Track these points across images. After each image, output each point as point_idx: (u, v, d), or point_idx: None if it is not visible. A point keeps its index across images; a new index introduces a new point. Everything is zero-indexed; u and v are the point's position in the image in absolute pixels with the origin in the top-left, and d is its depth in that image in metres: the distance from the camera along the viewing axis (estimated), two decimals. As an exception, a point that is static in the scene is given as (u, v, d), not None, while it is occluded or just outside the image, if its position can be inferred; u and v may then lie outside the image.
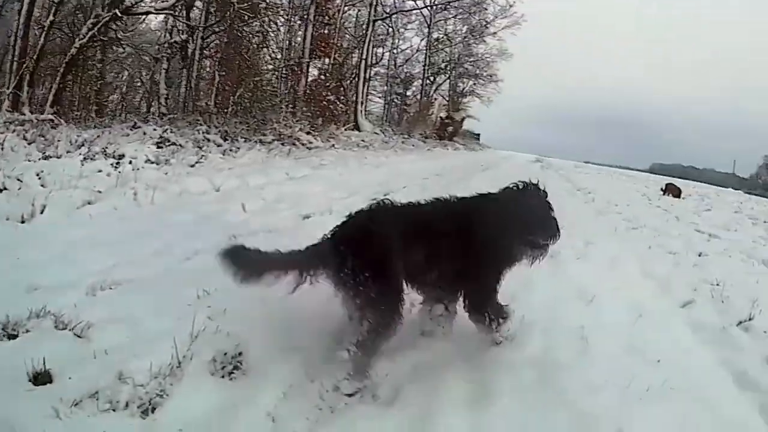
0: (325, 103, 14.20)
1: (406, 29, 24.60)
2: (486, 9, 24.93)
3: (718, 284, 4.13)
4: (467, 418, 1.88)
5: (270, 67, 13.51)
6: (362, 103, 18.10)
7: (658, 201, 12.87)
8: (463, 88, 29.53)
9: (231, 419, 1.67)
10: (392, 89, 25.51)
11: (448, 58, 27.15)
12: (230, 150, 8.01)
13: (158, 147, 6.62)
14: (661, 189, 15.32)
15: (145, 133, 7.20)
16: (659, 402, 2.17)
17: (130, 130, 7.42)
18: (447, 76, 27.69)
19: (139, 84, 10.33)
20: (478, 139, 43.07)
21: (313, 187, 6.18)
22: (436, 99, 27.84)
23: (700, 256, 5.55)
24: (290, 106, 12.83)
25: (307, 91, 13.88)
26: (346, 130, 15.51)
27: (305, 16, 14.33)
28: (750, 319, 3.29)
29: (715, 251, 5.97)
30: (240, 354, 1.97)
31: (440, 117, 27.28)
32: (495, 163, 18.88)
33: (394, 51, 24.84)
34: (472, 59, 28.03)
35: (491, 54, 27.85)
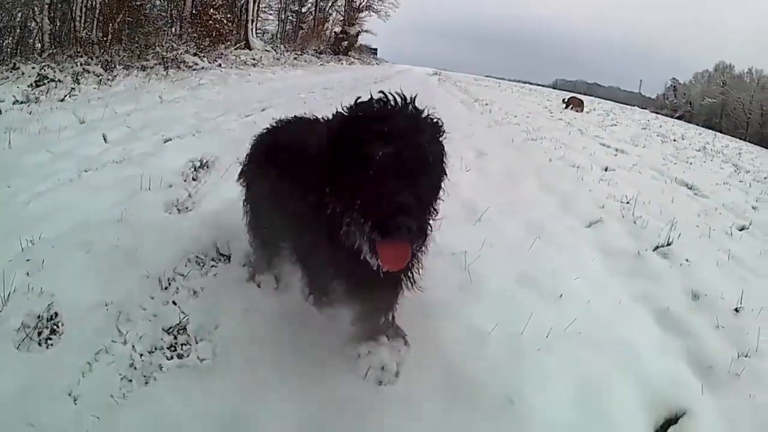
0: (212, 22, 16.74)
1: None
2: None
3: (628, 202, 4.48)
4: (306, 390, 1.81)
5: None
6: (253, 21, 21.49)
7: (560, 114, 14.54)
8: (360, 3, 35.51)
9: (32, 402, 1.68)
10: (287, 6, 30.04)
11: None
12: (107, 79, 9.13)
13: (37, 86, 7.72)
14: (563, 101, 17.12)
15: (23, 74, 8.24)
16: (562, 353, 2.07)
17: (10, 72, 8.43)
18: None
19: (33, 25, 11.66)
20: (375, 53, 51.09)
21: (185, 108, 7.01)
22: (330, 14, 33.57)
23: (606, 171, 6.12)
24: (176, 28, 15.56)
25: (194, 12, 16.48)
26: (236, 49, 18.56)
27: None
28: (668, 244, 3.53)
29: (623, 166, 6.69)
30: (55, 315, 2.04)
31: (335, 32, 33.32)
32: (389, 76, 21.62)
33: None
34: None
35: None
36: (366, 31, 37.72)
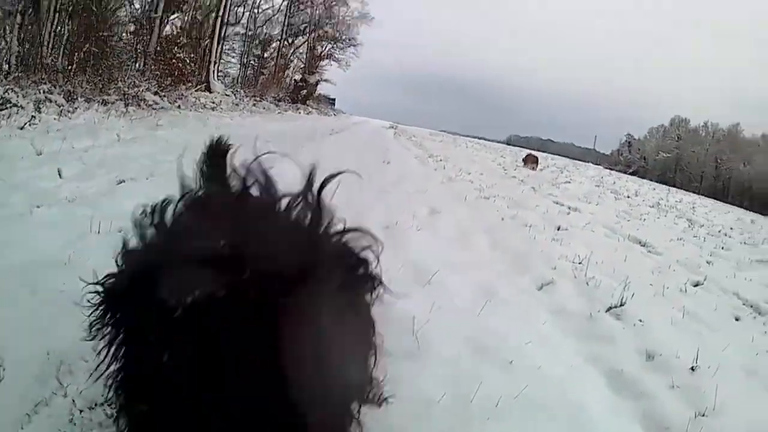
0: (174, 61, 18.04)
1: (268, -14, 31.56)
2: (354, -32, 32.80)
3: (581, 262, 4.77)
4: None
5: (126, 20, 16.98)
6: (215, 63, 23.33)
7: (514, 171, 15.32)
8: (321, 51, 38.98)
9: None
10: (250, 50, 32.71)
11: (308, 20, 35.73)
12: (67, 111, 9.83)
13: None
14: (523, 160, 18.10)
15: (-14, 96, 8.68)
16: (513, 421, 2.17)
17: (-27, 94, 8.89)
18: (306, 38, 36.54)
19: (2, 45, 12.12)
20: (334, 103, 54.93)
21: (142, 149, 7.45)
22: (292, 61, 36.68)
23: (559, 230, 6.49)
24: (140, 63, 16.76)
25: (158, 49, 17.61)
26: (196, 90, 19.85)
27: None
28: (621, 304, 3.76)
29: (576, 225, 7.13)
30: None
31: (294, 80, 36.03)
32: (346, 127, 23.83)
33: (255, 11, 31.95)
34: (332, 21, 37.28)
35: (352, 17, 37.54)
36: (325, 80, 40.85)
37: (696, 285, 5.03)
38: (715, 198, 57.80)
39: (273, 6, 32.39)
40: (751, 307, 4.85)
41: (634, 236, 7.16)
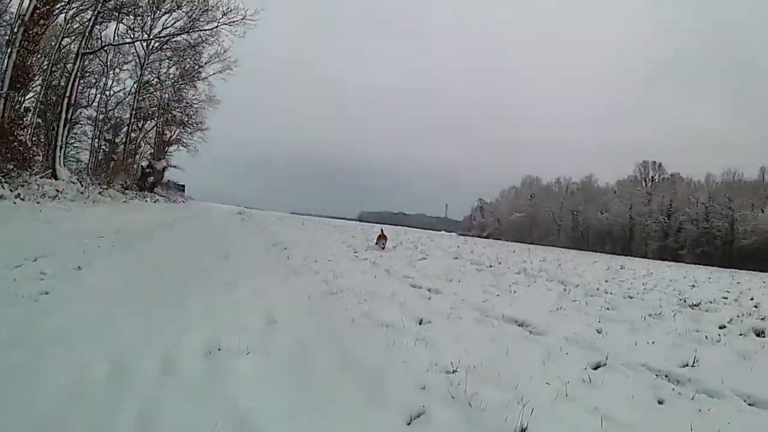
0: (16, 144, 18.42)
1: (121, 69, 35.11)
2: (201, 52, 36.84)
3: (455, 370, 4.01)
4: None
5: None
6: (62, 147, 24.02)
7: (365, 252, 14.73)
8: (170, 136, 43.37)
9: None
10: (101, 135, 35.02)
11: (157, 103, 38.68)
12: None
13: None
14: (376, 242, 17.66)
15: None
16: None
17: None
18: (155, 122, 39.65)
19: None
20: (183, 189, 61.20)
21: None
22: (140, 146, 39.31)
23: (421, 323, 5.77)
24: None
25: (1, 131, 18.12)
26: (41, 177, 20.40)
27: (11, 39, 18.92)
28: (523, 431, 3.04)
29: (440, 313, 6.44)
30: None
31: (142, 166, 37.76)
32: (192, 216, 25.02)
33: (107, 93, 34.61)
34: (181, 105, 40.74)
35: (199, 100, 41.51)
36: (174, 166, 44.88)
37: (597, 367, 4.50)
38: (576, 248, 63.85)
39: (124, 89, 35.40)
40: (667, 377, 4.46)
41: (509, 315, 6.60)
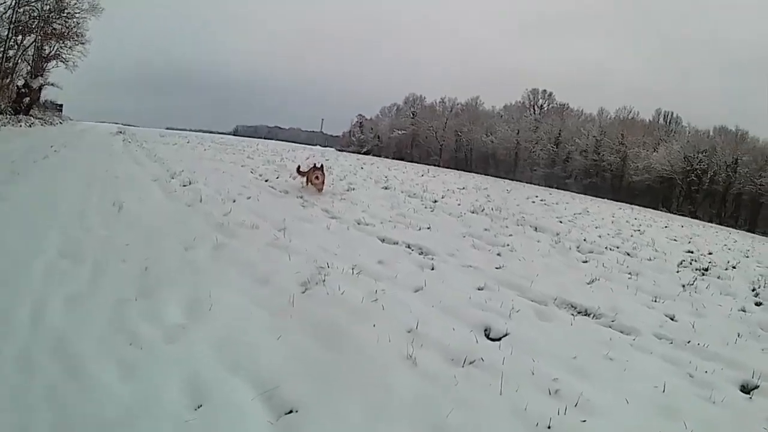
0: None
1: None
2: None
3: None
4: None
5: None
6: None
7: (279, 182, 13.41)
8: (49, 52, 41.14)
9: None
10: None
11: (37, 14, 36.28)
12: None
13: None
14: (299, 171, 14.91)
15: None
16: None
17: None
18: (34, 37, 37.33)
19: None
20: (61, 109, 60.70)
21: None
22: (18, 64, 37.35)
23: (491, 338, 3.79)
24: None
25: None
26: None
27: None
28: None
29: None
30: None
31: (17, 86, 37.10)
32: (67, 142, 22.04)
33: None
34: (62, 16, 38.27)
35: (81, 9, 39.02)
36: (51, 84, 43.57)
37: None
38: (458, 169, 64.91)
39: (5, 2, 32.97)
40: None
41: (565, 300, 5.56)
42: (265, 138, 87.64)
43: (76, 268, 4.90)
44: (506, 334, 4.21)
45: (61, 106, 60.06)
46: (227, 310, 4.10)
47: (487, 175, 62.70)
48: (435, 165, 67.66)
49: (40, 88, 40.50)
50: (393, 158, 72.57)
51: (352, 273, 5.21)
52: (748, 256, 13.77)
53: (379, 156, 75.56)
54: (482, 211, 12.63)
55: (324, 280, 4.78)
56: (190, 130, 78.40)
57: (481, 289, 5.51)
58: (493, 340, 4.16)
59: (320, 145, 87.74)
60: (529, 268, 6.92)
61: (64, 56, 41.40)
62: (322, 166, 11.96)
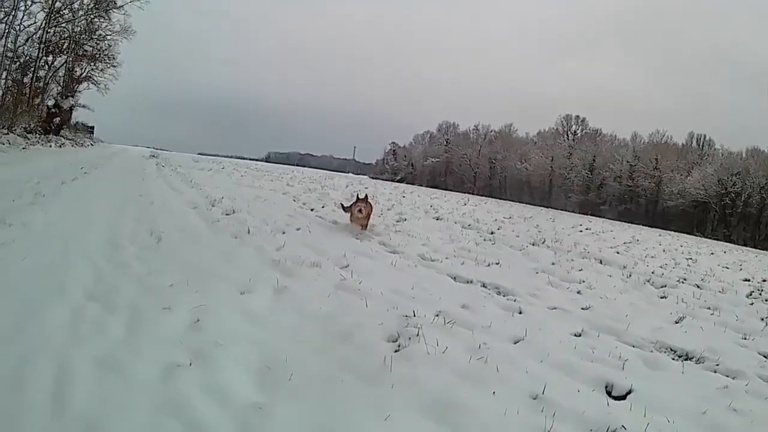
0: None
1: (33, 2, 31.61)
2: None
3: None
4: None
5: None
6: None
7: (324, 211, 13.03)
8: (81, 74, 41.08)
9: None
10: (9, 74, 31.96)
11: (68, 36, 35.91)
12: None
13: None
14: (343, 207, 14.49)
15: None
16: None
17: None
18: (65, 58, 36.99)
19: None
20: (92, 131, 60.67)
21: None
22: (48, 84, 36.65)
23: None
24: None
25: None
26: None
27: None
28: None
29: None
30: None
31: (47, 106, 36.02)
32: (100, 163, 22.02)
33: (16, 28, 31.25)
34: (93, 38, 38.38)
35: (113, 31, 39.07)
36: (82, 105, 43.17)
37: None
38: (492, 196, 64.41)
39: (35, 23, 32.16)
40: None
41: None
42: (297, 165, 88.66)
43: (108, 317, 3.98)
44: (630, 391, 3.68)
45: (92, 128, 60.81)
46: (310, 379, 3.32)
47: (522, 202, 62.22)
48: (470, 192, 67.25)
49: (70, 109, 40.47)
50: (427, 186, 72.59)
51: (444, 323, 4.50)
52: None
53: (413, 184, 75.57)
54: (543, 243, 12.03)
55: (418, 334, 4.04)
56: (223, 156, 79.54)
57: (579, 335, 4.92)
58: (617, 398, 3.62)
59: (353, 173, 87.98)
60: (614, 307, 6.37)
61: (95, 78, 41.70)
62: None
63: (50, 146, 29.84)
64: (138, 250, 6.24)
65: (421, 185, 72.11)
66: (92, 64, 40.32)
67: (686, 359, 4.83)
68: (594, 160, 70.58)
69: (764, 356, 5.20)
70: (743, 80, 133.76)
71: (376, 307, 4.81)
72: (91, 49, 38.66)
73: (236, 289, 5.01)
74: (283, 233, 8.36)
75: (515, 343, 4.37)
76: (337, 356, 3.71)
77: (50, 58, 35.27)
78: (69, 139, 39.19)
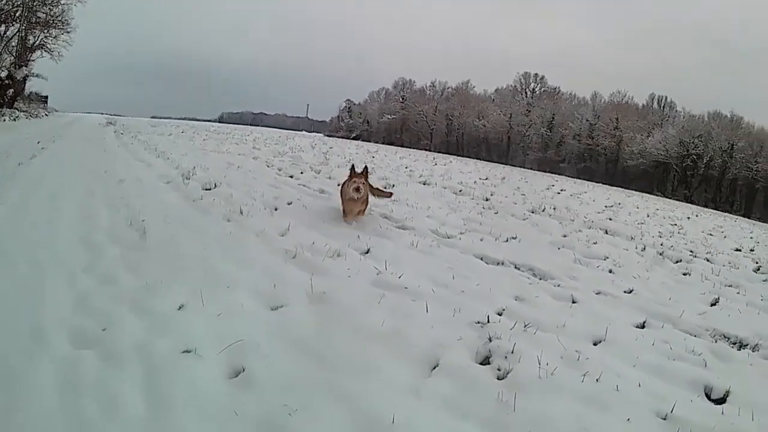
0: None
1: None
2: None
3: None
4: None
5: None
6: None
7: (309, 178, 12.35)
8: (34, 42, 39.94)
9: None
10: None
11: (20, 2, 35.11)
12: None
13: None
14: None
15: None
16: None
17: None
18: (18, 26, 36.46)
19: None
20: (46, 101, 59.45)
21: None
22: (1, 55, 36.50)
23: None
24: None
25: None
26: None
27: None
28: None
29: None
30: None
31: (0, 78, 35.87)
32: (54, 136, 20.72)
33: None
34: (47, 4, 37.34)
35: None
36: (36, 75, 42.63)
37: None
38: (449, 153, 64.48)
39: None
40: None
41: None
42: (251, 125, 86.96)
43: (115, 379, 2.98)
44: (728, 392, 3.58)
45: (46, 97, 58.47)
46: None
47: (480, 159, 62.47)
48: (426, 149, 67.21)
49: (24, 80, 39.45)
50: (383, 143, 72.13)
51: (524, 328, 4.04)
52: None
53: (369, 141, 74.85)
54: (543, 211, 11.78)
55: (513, 351, 3.53)
56: (176, 119, 77.88)
57: (643, 327, 4.79)
58: (717, 402, 3.53)
59: (306, 131, 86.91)
60: (652, 289, 6.35)
61: (49, 46, 40.38)
62: (366, 168, 7.58)
63: (4, 120, 28.74)
64: (122, 250, 5.31)
65: (377, 142, 71.51)
66: (46, 31, 39.02)
67: (743, 347, 4.84)
68: (553, 117, 71.22)
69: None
70: (704, 45, 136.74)
71: (436, 311, 4.27)
72: (44, 15, 37.41)
73: (263, 301, 4.20)
74: (276, 210, 7.72)
75: (596, 344, 4.12)
76: (441, 396, 3.07)
77: (2, 27, 34.44)
78: (23, 111, 37.80)
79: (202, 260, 5.05)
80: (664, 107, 70.93)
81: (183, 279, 4.50)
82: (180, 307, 3.90)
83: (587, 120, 68.79)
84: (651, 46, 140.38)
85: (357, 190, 7.15)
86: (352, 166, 7.74)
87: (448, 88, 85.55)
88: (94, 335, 3.48)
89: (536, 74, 79.25)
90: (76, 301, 4.02)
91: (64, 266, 4.75)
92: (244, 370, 3.12)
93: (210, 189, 8.93)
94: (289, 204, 8.37)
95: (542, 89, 78.63)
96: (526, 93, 78.98)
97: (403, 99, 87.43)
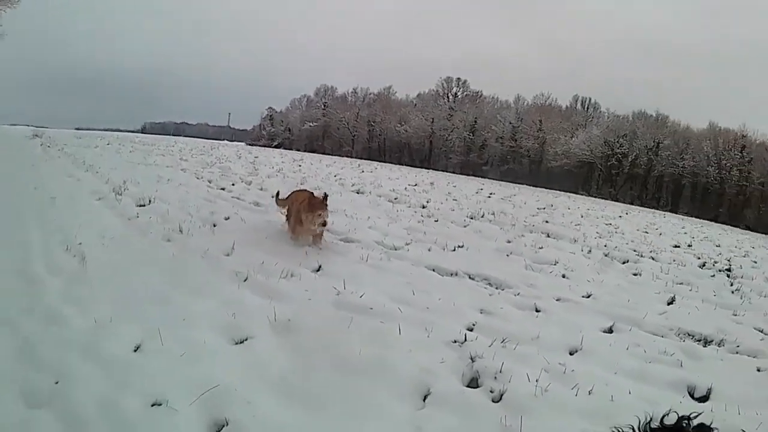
0: None
1: None
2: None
3: None
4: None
5: None
6: None
7: (239, 190, 12.06)
8: None
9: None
10: None
11: None
12: None
13: None
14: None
15: None
16: None
17: None
18: None
19: None
20: None
21: None
22: None
23: None
24: None
25: None
26: None
27: None
28: None
29: None
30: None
31: None
32: None
33: None
34: None
35: None
36: None
37: None
38: (371, 159, 64.48)
39: None
40: None
41: None
42: (174, 134, 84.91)
43: None
44: (710, 389, 3.83)
45: None
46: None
47: (402, 164, 62.85)
48: (348, 156, 67.30)
49: None
50: (305, 150, 71.43)
51: (502, 344, 3.96)
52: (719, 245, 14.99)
53: (291, 149, 74.08)
54: (482, 217, 11.89)
55: (501, 371, 3.45)
56: (100, 129, 75.47)
57: (612, 332, 4.91)
58: (702, 400, 3.74)
59: (228, 140, 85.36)
60: (609, 291, 6.59)
61: None
62: (325, 196, 6.79)
63: None
64: (62, 283, 4.83)
65: (299, 150, 70.89)
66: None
67: (708, 343, 5.12)
68: (476, 121, 72.18)
69: (760, 331, 5.71)
70: (623, 47, 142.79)
71: (409, 332, 4.11)
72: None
73: (225, 334, 3.88)
74: (215, 226, 7.45)
75: (572, 354, 4.17)
76: (444, 430, 2.92)
77: None
78: (-63, 128, 34.54)
79: (150, 289, 4.65)
80: (588, 108, 73.32)
81: (134, 314, 4.08)
82: (136, 348, 3.55)
83: (510, 122, 70.09)
84: (570, 48, 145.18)
85: (321, 219, 6.54)
86: (302, 187, 8.05)
87: (370, 94, 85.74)
88: (46, 394, 3.03)
89: (458, 78, 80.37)
90: (18, 350, 3.54)
91: (3, 308, 4.19)
92: (227, 423, 2.81)
93: (144, 205, 8.64)
94: (227, 219, 8.10)
95: (464, 93, 79.72)
96: (448, 97, 79.87)
97: (324, 106, 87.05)
